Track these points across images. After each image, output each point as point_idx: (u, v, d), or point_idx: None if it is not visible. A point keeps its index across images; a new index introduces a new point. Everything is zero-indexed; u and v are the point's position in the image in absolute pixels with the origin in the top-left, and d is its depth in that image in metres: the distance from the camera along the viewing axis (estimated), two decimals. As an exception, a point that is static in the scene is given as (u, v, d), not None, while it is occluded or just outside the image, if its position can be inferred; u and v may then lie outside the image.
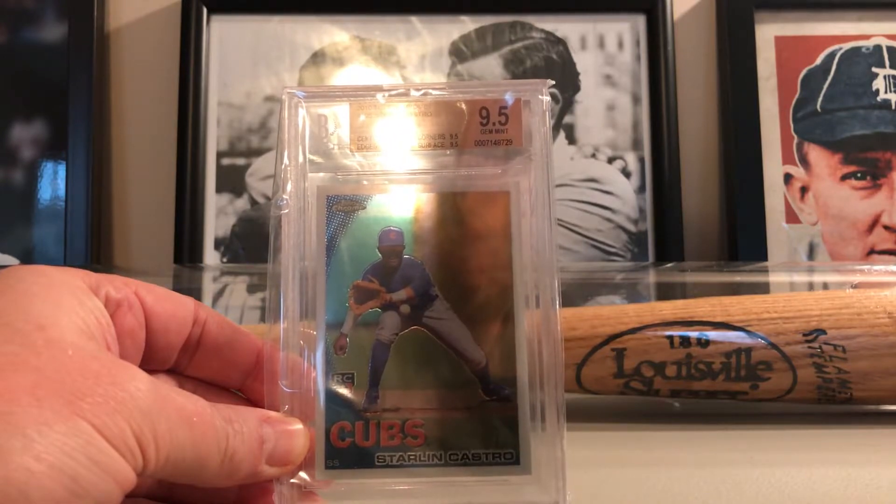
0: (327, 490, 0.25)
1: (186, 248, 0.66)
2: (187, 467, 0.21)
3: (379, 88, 0.28)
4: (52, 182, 0.68)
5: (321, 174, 0.28)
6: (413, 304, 0.27)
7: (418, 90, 0.28)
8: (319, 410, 0.26)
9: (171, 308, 0.26)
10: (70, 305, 0.22)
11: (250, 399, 0.28)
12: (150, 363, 0.26)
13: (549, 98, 0.28)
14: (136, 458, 0.19)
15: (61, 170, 0.68)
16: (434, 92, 0.28)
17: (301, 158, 0.27)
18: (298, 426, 0.25)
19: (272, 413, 0.25)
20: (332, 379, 0.26)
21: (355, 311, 0.27)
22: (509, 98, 0.28)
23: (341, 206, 0.27)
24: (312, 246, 0.27)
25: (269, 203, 0.28)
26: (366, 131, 0.28)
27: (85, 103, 0.68)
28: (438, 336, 0.26)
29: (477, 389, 0.26)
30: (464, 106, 0.28)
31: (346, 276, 0.27)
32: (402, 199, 0.28)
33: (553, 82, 0.28)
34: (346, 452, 0.25)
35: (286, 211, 0.27)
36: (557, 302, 0.26)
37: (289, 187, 0.27)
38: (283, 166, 0.27)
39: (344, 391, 0.26)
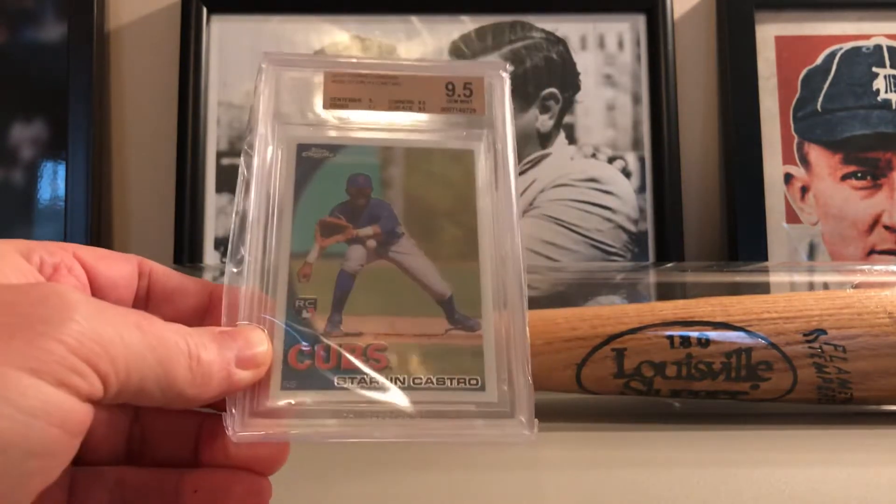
0: (283, 406, 0.24)
1: (186, 248, 0.66)
2: (155, 378, 0.20)
3: (352, 61, 0.30)
4: (52, 182, 0.68)
5: (293, 124, 0.29)
6: (379, 241, 0.27)
7: (390, 63, 0.29)
8: (278, 334, 0.25)
9: (115, 265, 0.25)
10: (1, 270, 0.21)
11: None
12: None
13: (508, 76, 0.29)
14: (91, 382, 0.18)
15: (61, 170, 0.67)
16: (403, 64, 0.30)
17: (275, 108, 0.28)
18: (254, 327, 0.24)
19: (225, 328, 0.24)
20: (294, 304, 0.26)
21: (321, 244, 0.27)
22: (472, 75, 0.29)
23: (312, 153, 0.28)
24: (281, 185, 0.27)
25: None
26: (338, 93, 0.29)
27: (85, 103, 0.68)
28: (404, 269, 0.27)
29: (442, 319, 0.26)
30: (430, 80, 0.29)
31: (313, 213, 0.27)
32: (370, 150, 0.29)
33: (511, 68, 0.30)
34: (304, 374, 0.25)
35: (256, 150, 0.27)
36: (520, 248, 0.27)
37: (260, 129, 0.28)
38: (257, 114, 0.28)
39: (305, 315, 0.26)
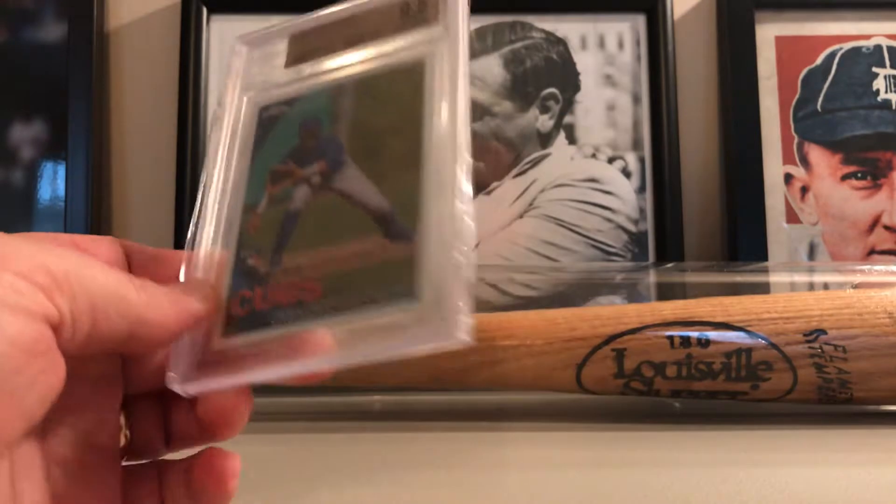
0: (226, 352, 0.25)
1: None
2: (106, 297, 0.21)
3: (313, 15, 0.30)
4: (52, 182, 0.68)
5: (259, 91, 0.30)
6: (325, 174, 0.27)
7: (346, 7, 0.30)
8: (225, 283, 0.26)
9: (104, 246, 0.26)
10: None
11: None
12: None
13: None
14: (38, 301, 0.19)
15: (61, 170, 0.67)
16: (360, 8, 0.29)
17: (244, 82, 0.29)
18: (197, 279, 0.26)
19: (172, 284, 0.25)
20: (240, 255, 0.26)
21: (270, 192, 0.27)
22: None
23: (270, 112, 0.29)
24: (241, 147, 0.28)
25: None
26: (299, 50, 0.30)
27: (85, 103, 0.68)
28: (346, 196, 0.26)
29: (380, 236, 0.25)
30: (387, 8, 0.29)
31: (266, 166, 0.28)
32: (323, 93, 0.29)
33: None
34: (245, 319, 0.25)
35: (223, 122, 0.28)
36: (466, 148, 0.25)
37: (227, 100, 0.29)
38: (227, 90, 0.29)
39: (249, 262, 0.26)
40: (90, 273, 0.21)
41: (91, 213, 0.67)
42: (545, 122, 0.69)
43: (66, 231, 0.66)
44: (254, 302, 0.25)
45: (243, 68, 0.30)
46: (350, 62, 0.29)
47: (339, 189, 0.26)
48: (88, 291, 0.21)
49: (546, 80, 0.69)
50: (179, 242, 0.66)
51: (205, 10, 0.69)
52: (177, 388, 0.24)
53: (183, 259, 0.27)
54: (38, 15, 0.69)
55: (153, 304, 0.23)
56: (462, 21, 0.28)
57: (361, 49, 0.29)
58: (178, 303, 0.24)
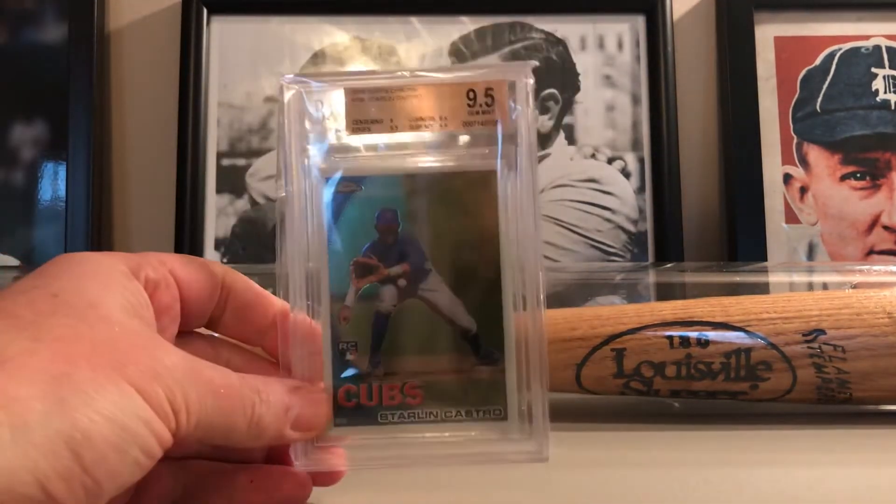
0: (338, 444, 0.28)
1: (187, 249, 0.66)
2: (217, 431, 0.24)
3: (372, 73, 0.30)
4: (53, 182, 0.68)
5: (320, 157, 0.29)
6: (409, 278, 0.29)
7: (409, 73, 0.29)
8: (327, 375, 0.28)
9: (202, 280, 0.28)
10: (115, 287, 0.25)
11: (271, 355, 0.30)
12: (186, 326, 0.28)
13: (532, 80, 0.29)
14: (170, 421, 0.22)
15: (62, 170, 0.68)
16: (423, 74, 0.29)
17: (301, 143, 0.29)
18: (322, 394, 0.28)
19: (300, 383, 0.27)
20: (338, 346, 0.28)
21: (356, 286, 0.28)
22: (493, 79, 0.29)
23: (340, 188, 0.29)
24: (314, 226, 0.29)
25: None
26: (360, 115, 0.29)
27: (85, 104, 0.68)
28: (432, 307, 0.28)
29: (469, 354, 0.28)
30: (451, 88, 0.29)
31: (346, 253, 0.29)
32: (395, 180, 0.29)
33: (537, 64, 0.30)
34: (353, 412, 0.28)
35: (288, 193, 0.29)
36: (540, 277, 0.28)
37: (291, 171, 0.29)
38: (284, 151, 0.29)
39: (349, 357, 0.28)
40: (207, 405, 0.23)
41: (92, 214, 0.67)
42: (545, 122, 0.69)
43: (66, 232, 0.66)
44: (360, 397, 0.28)
45: (297, 120, 0.29)
46: (416, 148, 0.29)
47: (426, 298, 0.29)
48: (205, 427, 0.23)
49: (545, 81, 0.69)
50: (180, 243, 0.66)
51: (205, 11, 0.69)
52: (296, 464, 0.28)
53: (278, 309, 0.29)
54: (38, 16, 0.69)
55: (254, 436, 0.25)
56: (531, 126, 0.29)
57: (426, 132, 0.29)
58: (278, 438, 0.26)
